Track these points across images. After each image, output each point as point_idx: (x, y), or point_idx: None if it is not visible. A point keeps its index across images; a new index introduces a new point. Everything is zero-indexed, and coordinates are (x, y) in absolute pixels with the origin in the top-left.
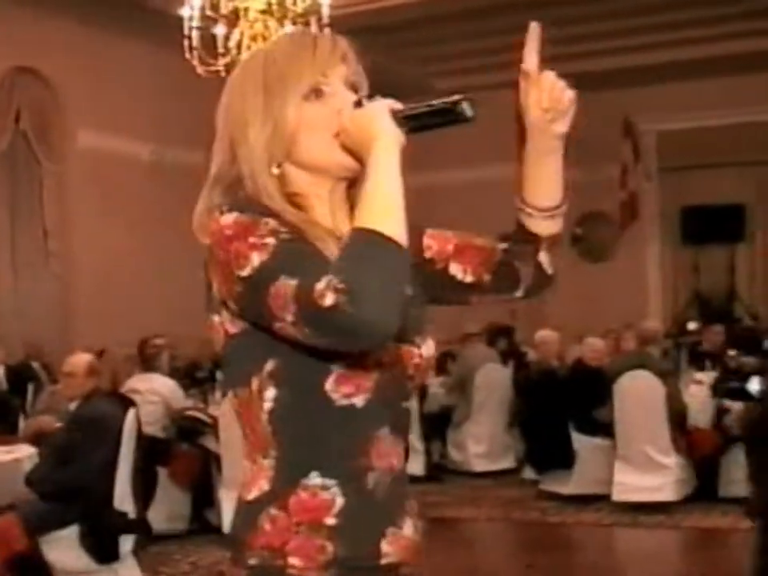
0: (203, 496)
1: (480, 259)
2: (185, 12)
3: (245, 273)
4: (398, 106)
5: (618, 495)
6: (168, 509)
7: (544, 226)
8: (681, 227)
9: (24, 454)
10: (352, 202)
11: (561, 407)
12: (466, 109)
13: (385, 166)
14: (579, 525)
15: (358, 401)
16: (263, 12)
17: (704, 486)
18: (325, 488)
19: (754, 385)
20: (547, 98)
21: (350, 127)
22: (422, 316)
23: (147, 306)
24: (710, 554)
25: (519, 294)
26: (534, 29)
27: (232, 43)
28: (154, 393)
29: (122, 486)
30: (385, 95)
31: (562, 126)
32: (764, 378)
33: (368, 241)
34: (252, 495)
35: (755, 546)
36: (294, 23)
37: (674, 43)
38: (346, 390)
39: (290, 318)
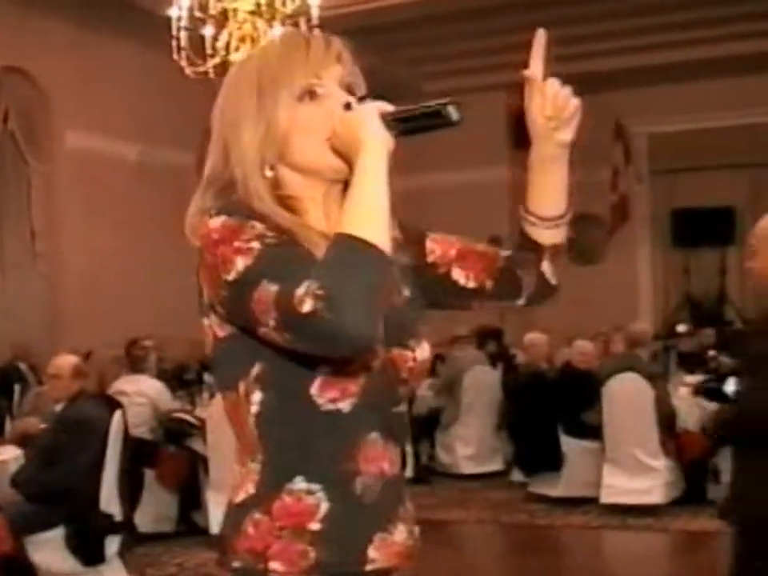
0: (190, 498)
1: (482, 265)
2: (173, 13)
3: (230, 277)
4: (389, 108)
5: (606, 498)
6: (155, 510)
7: (547, 236)
8: (671, 230)
9: (10, 455)
10: None
11: (549, 410)
12: (452, 113)
13: (371, 171)
14: (567, 527)
15: (344, 405)
16: (252, 13)
17: (693, 489)
18: (310, 493)
19: (730, 386)
20: (551, 105)
21: (339, 130)
22: (418, 319)
23: (135, 306)
24: (698, 557)
25: (521, 302)
26: (541, 35)
27: (220, 44)
28: (142, 394)
29: (108, 487)
30: (376, 97)
31: (566, 134)
32: (739, 379)
33: (349, 247)
34: (239, 498)
35: (732, 551)
36: (283, 24)
37: (666, 46)
38: (331, 394)
39: (271, 323)
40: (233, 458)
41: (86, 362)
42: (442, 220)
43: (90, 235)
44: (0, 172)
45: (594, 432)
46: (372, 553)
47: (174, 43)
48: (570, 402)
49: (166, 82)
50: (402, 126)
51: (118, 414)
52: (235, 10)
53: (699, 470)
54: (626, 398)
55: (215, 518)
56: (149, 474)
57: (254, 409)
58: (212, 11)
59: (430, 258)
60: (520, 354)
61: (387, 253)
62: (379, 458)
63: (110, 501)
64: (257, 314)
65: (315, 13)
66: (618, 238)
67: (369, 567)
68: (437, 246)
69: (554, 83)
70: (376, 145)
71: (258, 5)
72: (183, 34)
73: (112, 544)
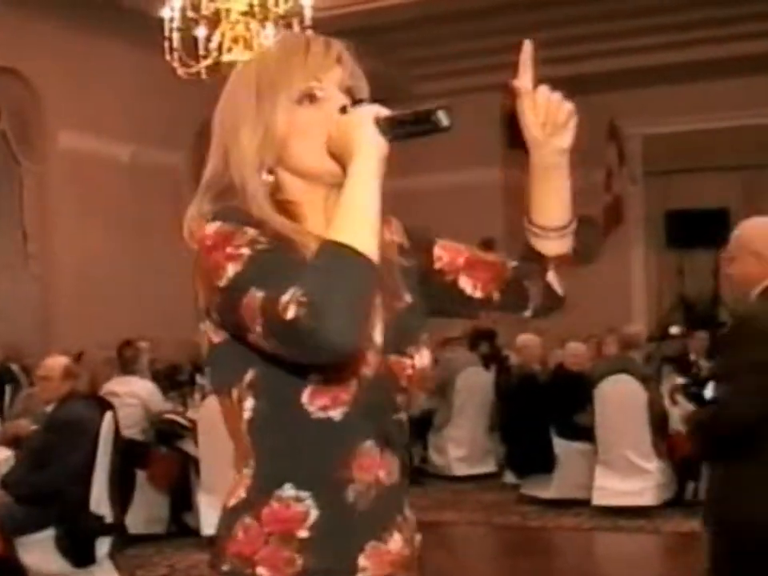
0: (181, 499)
1: (490, 275)
2: (166, 13)
3: (222, 283)
4: (385, 112)
5: (598, 500)
6: (146, 512)
7: (550, 247)
8: (665, 231)
9: (1, 457)
10: None
11: (541, 411)
12: (442, 118)
13: (362, 177)
14: (559, 529)
15: (335, 414)
16: (245, 14)
17: (684, 491)
18: (298, 500)
19: (709, 391)
20: (543, 113)
21: (334, 134)
22: (418, 326)
23: (127, 307)
24: (690, 559)
25: (528, 313)
26: (528, 46)
27: (213, 45)
28: (133, 396)
29: (99, 489)
30: (374, 101)
31: (563, 141)
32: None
33: (336, 254)
34: (232, 502)
35: (709, 554)
36: (276, 25)
37: (660, 47)
38: (322, 402)
39: (258, 329)
40: (224, 460)
41: (78, 362)
42: (434, 221)
43: (82, 236)
44: None
45: (586, 434)
46: (363, 561)
47: (166, 44)
48: (562, 403)
49: (159, 82)
50: (394, 131)
51: (108, 415)
52: (228, 11)
53: (691, 472)
54: (619, 399)
55: (206, 519)
56: (140, 476)
57: (247, 415)
58: (204, 12)
59: (437, 265)
60: (513, 355)
61: (375, 260)
62: (375, 466)
63: (100, 502)
64: (246, 321)
65: (308, 14)
66: (612, 239)
67: None
68: (444, 253)
69: (543, 90)
70: (369, 150)
71: (251, 5)
72: (176, 35)
73: (102, 545)
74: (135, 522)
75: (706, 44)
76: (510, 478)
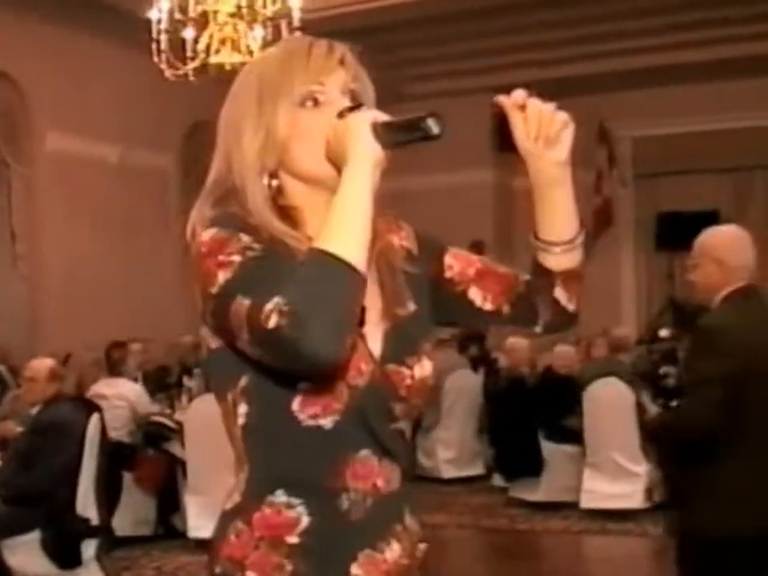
0: (168, 501)
1: (501, 287)
2: (153, 15)
3: (214, 290)
4: (383, 118)
5: (586, 503)
6: (133, 514)
7: (556, 261)
8: (655, 233)
9: None
10: None
11: (530, 414)
12: (432, 126)
13: (354, 184)
14: (548, 532)
15: (326, 422)
16: (233, 15)
17: None
18: (290, 506)
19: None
20: (535, 126)
21: (331, 139)
22: (421, 336)
23: (115, 309)
24: None
25: (538, 329)
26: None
27: (201, 46)
28: (121, 398)
29: (85, 491)
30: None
31: (560, 152)
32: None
33: (321, 263)
34: (228, 505)
35: (675, 562)
36: (265, 26)
37: (650, 49)
38: (312, 410)
39: (245, 336)
40: (211, 462)
41: (65, 364)
42: (424, 223)
43: (70, 237)
44: None
45: (574, 437)
46: (355, 569)
47: (154, 46)
48: (550, 406)
49: (147, 84)
50: (390, 137)
51: (95, 417)
52: (216, 13)
53: None
54: (607, 402)
55: (193, 521)
56: (127, 478)
57: (241, 420)
58: (192, 13)
59: (448, 274)
60: (502, 357)
61: (362, 269)
62: (372, 475)
63: (86, 504)
64: (234, 328)
65: (296, 15)
66: (602, 241)
67: None
68: (456, 263)
69: (534, 104)
70: (363, 155)
71: (239, 7)
72: (163, 37)
73: (88, 548)
74: (122, 523)
75: (697, 46)
76: (498, 480)
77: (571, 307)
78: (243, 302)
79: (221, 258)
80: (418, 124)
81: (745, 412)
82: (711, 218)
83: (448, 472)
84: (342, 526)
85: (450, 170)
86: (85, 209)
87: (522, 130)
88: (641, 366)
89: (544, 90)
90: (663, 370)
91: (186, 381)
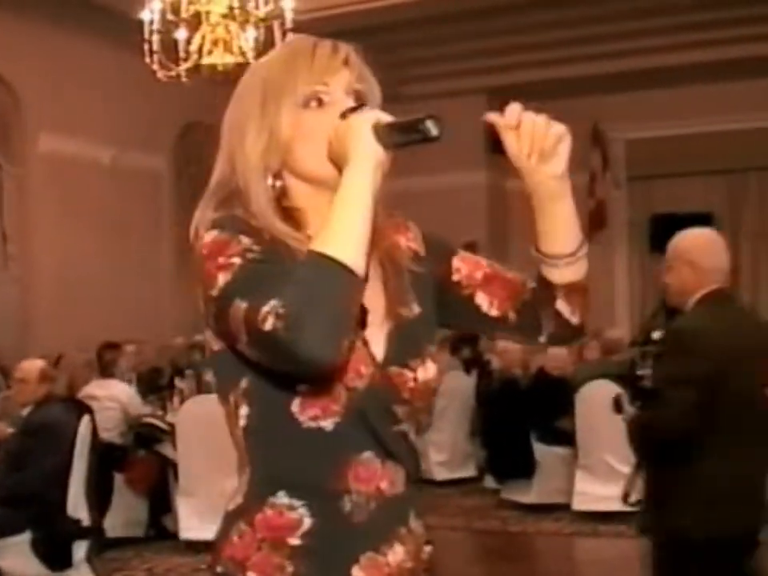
0: (160, 502)
1: (507, 293)
2: (145, 16)
3: (214, 293)
4: (386, 119)
5: (578, 505)
6: (125, 515)
7: (559, 274)
8: (649, 236)
9: None
10: None
11: (522, 416)
12: (431, 128)
13: (354, 186)
14: (540, 534)
15: (327, 424)
16: (225, 16)
17: None
18: (291, 508)
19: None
20: (528, 142)
21: (332, 140)
22: (425, 337)
23: (107, 310)
24: None
25: (543, 339)
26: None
27: (193, 47)
28: (112, 399)
29: (76, 492)
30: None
31: (556, 166)
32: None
33: (318, 265)
34: (231, 506)
35: (650, 562)
36: (257, 27)
37: (644, 51)
38: (312, 412)
39: (243, 338)
40: (202, 464)
41: (57, 365)
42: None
43: (62, 238)
44: None
45: (566, 439)
46: (357, 572)
47: (146, 46)
48: (543, 408)
49: (140, 85)
50: (391, 138)
51: (86, 419)
52: (208, 13)
53: None
54: (600, 404)
55: (185, 522)
56: (118, 479)
57: (242, 422)
58: (184, 14)
59: (455, 277)
60: (494, 359)
61: (359, 271)
62: (375, 478)
63: (77, 505)
64: (233, 330)
65: (289, 16)
66: (596, 243)
67: None
68: (463, 266)
69: (527, 119)
70: (364, 157)
71: (231, 8)
72: (155, 38)
73: (79, 549)
74: (114, 525)
75: (691, 49)
76: (490, 482)
77: (575, 320)
78: (241, 305)
79: (221, 260)
80: (417, 126)
81: (719, 414)
82: (705, 220)
83: (440, 474)
84: (344, 528)
85: (443, 172)
86: (77, 209)
87: (514, 148)
88: (624, 367)
89: (539, 92)
90: (640, 371)
91: (177, 382)
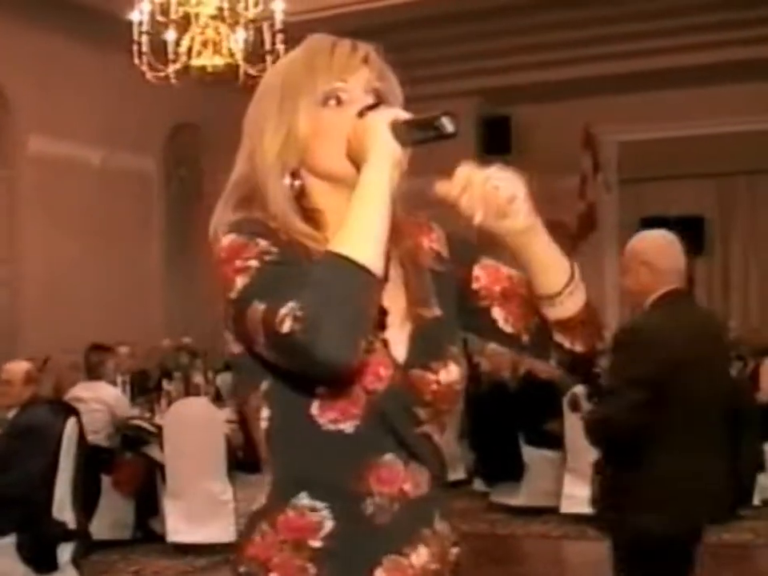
0: (147, 505)
1: (523, 313)
2: (135, 17)
3: (233, 296)
4: (403, 116)
5: (567, 508)
6: (112, 517)
7: (551, 312)
8: None
9: None
10: None
11: (511, 419)
12: (447, 124)
13: (372, 183)
14: (528, 537)
15: (347, 427)
16: (214, 17)
17: None
18: (313, 510)
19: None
20: (482, 206)
21: (351, 138)
22: (447, 339)
23: (96, 313)
24: None
25: (554, 363)
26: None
27: (183, 49)
28: (99, 401)
29: (62, 494)
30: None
31: (515, 222)
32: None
33: (335, 267)
34: (255, 507)
35: (611, 562)
36: (247, 29)
37: (635, 53)
38: (331, 415)
39: (261, 341)
40: (190, 466)
41: (44, 367)
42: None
43: (51, 241)
44: None
45: (555, 441)
46: (380, 574)
47: (135, 48)
48: (531, 411)
49: (129, 86)
50: (409, 136)
51: (71, 421)
52: (197, 15)
53: None
54: (589, 407)
55: (172, 525)
56: (105, 481)
57: (264, 424)
58: (174, 16)
59: (474, 285)
60: (483, 362)
61: (377, 271)
62: (398, 480)
63: (63, 508)
64: (250, 333)
65: (279, 18)
66: (586, 246)
67: None
68: (484, 275)
69: (476, 182)
70: (381, 155)
71: (221, 9)
72: (145, 39)
73: (65, 551)
74: (100, 527)
75: (682, 51)
76: (479, 485)
77: (579, 348)
78: (259, 307)
79: (238, 263)
80: (433, 122)
81: (672, 413)
82: (696, 224)
83: None
84: (367, 531)
85: (437, 174)
86: (66, 212)
87: (469, 212)
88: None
89: (530, 94)
90: (596, 368)
91: (165, 384)
